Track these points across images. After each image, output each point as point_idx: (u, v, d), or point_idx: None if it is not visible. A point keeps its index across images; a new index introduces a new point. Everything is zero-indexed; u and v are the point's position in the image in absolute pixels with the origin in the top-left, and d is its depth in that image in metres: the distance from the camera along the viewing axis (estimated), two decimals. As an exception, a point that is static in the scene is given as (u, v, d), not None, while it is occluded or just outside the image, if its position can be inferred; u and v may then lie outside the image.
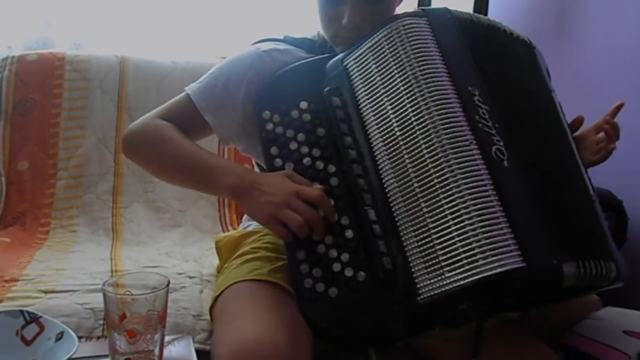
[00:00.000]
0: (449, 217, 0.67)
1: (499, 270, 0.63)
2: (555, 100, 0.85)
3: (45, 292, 0.98)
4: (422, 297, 0.68)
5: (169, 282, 0.69)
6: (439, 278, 0.67)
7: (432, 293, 0.67)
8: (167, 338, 0.74)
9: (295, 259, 0.76)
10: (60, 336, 0.70)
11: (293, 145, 0.82)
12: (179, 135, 0.87)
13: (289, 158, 0.82)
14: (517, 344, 0.80)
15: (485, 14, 1.71)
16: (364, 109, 0.79)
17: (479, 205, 0.66)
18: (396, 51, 0.76)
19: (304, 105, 0.84)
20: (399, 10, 0.91)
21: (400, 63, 0.75)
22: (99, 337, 0.90)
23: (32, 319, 0.73)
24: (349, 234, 0.75)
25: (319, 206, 0.75)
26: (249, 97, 0.88)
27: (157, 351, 0.68)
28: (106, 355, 0.69)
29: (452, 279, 0.66)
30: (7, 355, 0.69)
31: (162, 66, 1.62)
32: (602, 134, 1.01)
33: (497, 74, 0.78)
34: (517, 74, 0.83)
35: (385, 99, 0.76)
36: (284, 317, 0.76)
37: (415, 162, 0.71)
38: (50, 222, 1.39)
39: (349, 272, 0.74)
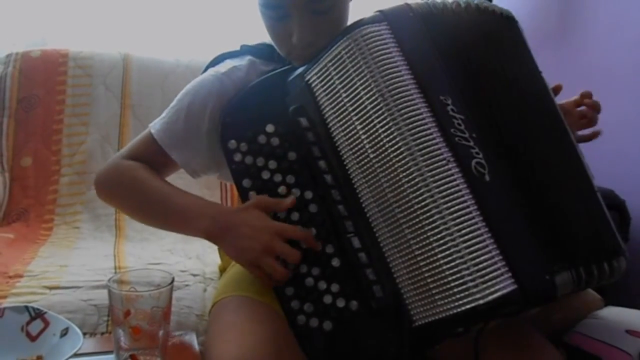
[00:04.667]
0: (434, 243, 0.65)
1: (491, 297, 0.62)
2: (545, 84, 0.81)
3: (50, 288, 0.98)
4: (416, 323, 0.67)
5: (173, 279, 0.69)
6: (431, 305, 0.66)
7: (426, 320, 0.67)
8: (170, 334, 0.74)
9: (285, 295, 0.75)
10: (65, 332, 0.71)
11: (265, 175, 0.77)
12: (150, 175, 0.84)
13: (263, 189, 0.77)
14: (522, 342, 0.80)
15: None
16: (333, 129, 0.74)
17: (464, 230, 0.64)
18: (358, 65, 0.71)
19: (270, 128, 0.79)
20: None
21: (364, 79, 0.70)
22: (103, 333, 0.91)
23: (37, 314, 0.73)
24: (336, 262, 0.73)
25: (305, 244, 0.73)
26: (213, 126, 0.84)
27: (161, 347, 0.69)
28: (111, 352, 0.69)
29: (444, 307, 0.64)
30: (13, 351, 0.69)
31: (166, 63, 1.63)
32: (583, 108, 0.96)
33: (469, 66, 0.74)
34: (498, 59, 0.77)
35: (354, 118, 0.71)
36: (273, 336, 0.75)
37: (394, 187, 0.68)
38: (54, 219, 1.39)
39: (340, 303, 0.73)
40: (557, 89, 0.91)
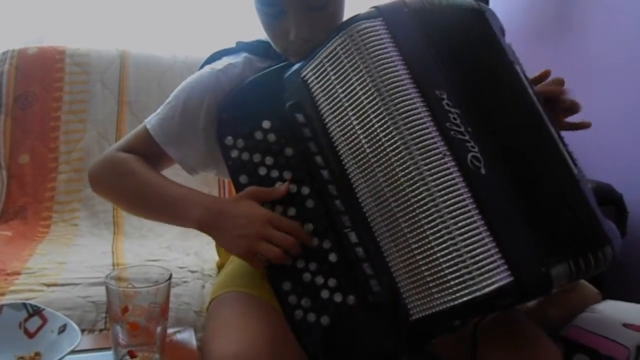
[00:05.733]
0: (431, 237, 0.65)
1: (487, 289, 0.62)
2: (519, 74, 0.79)
3: (48, 285, 0.98)
4: (413, 316, 0.68)
5: (170, 275, 0.69)
6: (429, 298, 0.66)
7: (423, 314, 0.67)
8: (169, 331, 0.74)
9: (282, 290, 0.75)
10: (63, 329, 0.71)
11: (262, 171, 0.78)
12: (144, 167, 0.84)
13: (260, 185, 0.78)
14: (519, 336, 0.80)
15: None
16: (329, 124, 0.74)
17: (460, 223, 0.64)
18: (353, 60, 0.71)
19: (266, 124, 0.79)
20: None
21: (360, 74, 0.70)
22: (101, 330, 0.91)
23: (35, 311, 0.73)
24: (333, 257, 0.74)
25: (295, 236, 0.74)
26: (210, 122, 0.84)
27: (159, 343, 0.69)
28: (109, 348, 0.69)
29: (441, 300, 0.65)
30: (11, 348, 0.69)
31: (163, 60, 1.63)
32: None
33: (462, 61, 0.74)
34: (484, 54, 0.77)
35: (351, 113, 0.71)
36: (271, 332, 0.75)
37: (390, 181, 0.68)
38: (52, 216, 1.39)
39: (338, 298, 0.73)
40: (545, 75, 0.91)
